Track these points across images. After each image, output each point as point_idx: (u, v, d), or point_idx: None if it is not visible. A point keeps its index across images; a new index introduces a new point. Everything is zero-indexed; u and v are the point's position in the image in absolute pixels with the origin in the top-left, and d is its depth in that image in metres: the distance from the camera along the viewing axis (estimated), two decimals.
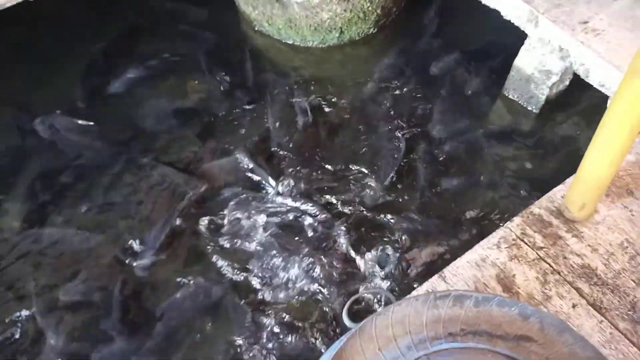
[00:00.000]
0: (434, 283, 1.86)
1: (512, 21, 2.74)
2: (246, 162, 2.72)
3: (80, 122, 2.88)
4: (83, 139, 2.84)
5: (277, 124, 2.88)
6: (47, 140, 2.82)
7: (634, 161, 2.18)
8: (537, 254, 1.91)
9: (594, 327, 1.73)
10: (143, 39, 3.33)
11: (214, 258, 2.42)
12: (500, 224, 2.03)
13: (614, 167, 1.78)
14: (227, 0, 3.49)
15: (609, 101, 2.45)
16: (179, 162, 2.76)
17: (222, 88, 3.08)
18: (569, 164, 2.63)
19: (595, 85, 2.50)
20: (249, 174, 2.70)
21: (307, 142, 2.82)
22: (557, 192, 2.10)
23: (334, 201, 2.59)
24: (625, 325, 1.74)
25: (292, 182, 2.61)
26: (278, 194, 2.58)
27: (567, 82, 2.75)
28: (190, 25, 3.40)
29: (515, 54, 2.81)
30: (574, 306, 1.78)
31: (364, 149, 2.80)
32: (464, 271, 1.88)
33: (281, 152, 2.78)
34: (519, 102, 2.93)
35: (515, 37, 2.77)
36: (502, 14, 2.76)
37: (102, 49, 3.24)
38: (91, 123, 2.89)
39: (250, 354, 2.11)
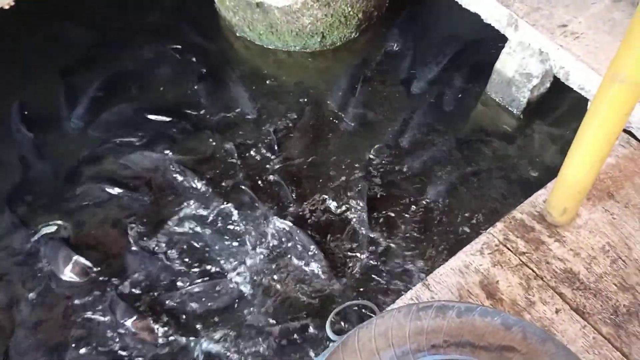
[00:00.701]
0: (418, 291, 1.85)
1: (492, 25, 2.75)
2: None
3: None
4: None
5: (255, 135, 2.87)
6: None
7: (614, 164, 2.20)
8: (519, 259, 1.91)
9: (577, 332, 1.73)
10: (119, 47, 3.28)
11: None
12: (483, 230, 2.02)
13: (595, 171, 1.79)
14: (209, 7, 3.46)
15: (589, 104, 2.47)
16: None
17: (199, 96, 3.06)
18: (551, 167, 2.66)
19: (575, 88, 2.52)
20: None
21: (286, 155, 2.80)
22: (539, 196, 2.10)
23: (307, 215, 2.57)
24: (608, 329, 1.74)
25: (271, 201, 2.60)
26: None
27: (548, 85, 2.76)
28: (170, 32, 3.36)
29: (496, 57, 2.82)
30: (557, 311, 1.78)
31: (343, 164, 2.76)
32: (447, 278, 1.87)
33: (257, 165, 2.76)
34: (501, 104, 2.93)
35: (496, 40, 2.78)
36: (482, 17, 2.77)
37: (77, 58, 3.22)
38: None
39: None
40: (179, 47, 3.29)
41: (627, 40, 1.41)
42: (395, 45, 3.31)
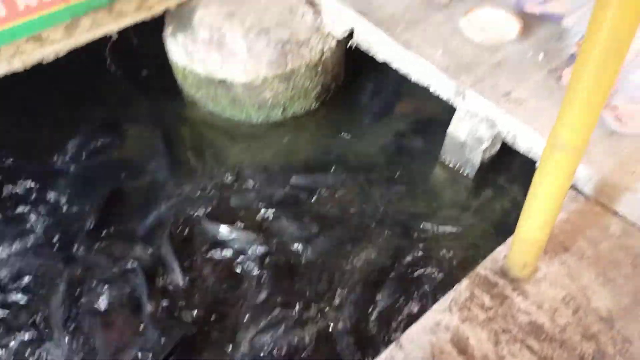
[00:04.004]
0: (392, 352, 1.88)
1: (441, 96, 2.95)
2: None
3: None
4: None
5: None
6: None
7: (566, 219, 2.34)
8: (486, 314, 1.99)
9: None
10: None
11: None
12: (449, 287, 2.10)
13: (548, 227, 1.91)
14: (171, 82, 3.59)
15: (537, 164, 2.64)
16: None
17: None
18: (509, 224, 2.79)
19: (522, 151, 2.70)
20: None
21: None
22: (500, 252, 2.21)
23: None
24: None
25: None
26: None
27: (498, 147, 2.95)
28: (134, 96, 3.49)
29: (449, 121, 3.00)
30: None
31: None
32: (419, 337, 1.92)
33: None
34: (456, 167, 3.10)
35: (449, 106, 2.98)
36: (431, 89, 2.97)
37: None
38: None
39: None
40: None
41: (563, 110, 1.56)
42: (352, 114, 3.50)
